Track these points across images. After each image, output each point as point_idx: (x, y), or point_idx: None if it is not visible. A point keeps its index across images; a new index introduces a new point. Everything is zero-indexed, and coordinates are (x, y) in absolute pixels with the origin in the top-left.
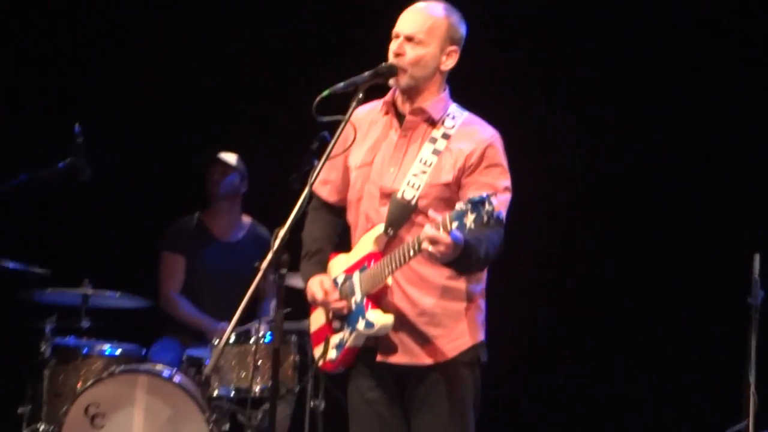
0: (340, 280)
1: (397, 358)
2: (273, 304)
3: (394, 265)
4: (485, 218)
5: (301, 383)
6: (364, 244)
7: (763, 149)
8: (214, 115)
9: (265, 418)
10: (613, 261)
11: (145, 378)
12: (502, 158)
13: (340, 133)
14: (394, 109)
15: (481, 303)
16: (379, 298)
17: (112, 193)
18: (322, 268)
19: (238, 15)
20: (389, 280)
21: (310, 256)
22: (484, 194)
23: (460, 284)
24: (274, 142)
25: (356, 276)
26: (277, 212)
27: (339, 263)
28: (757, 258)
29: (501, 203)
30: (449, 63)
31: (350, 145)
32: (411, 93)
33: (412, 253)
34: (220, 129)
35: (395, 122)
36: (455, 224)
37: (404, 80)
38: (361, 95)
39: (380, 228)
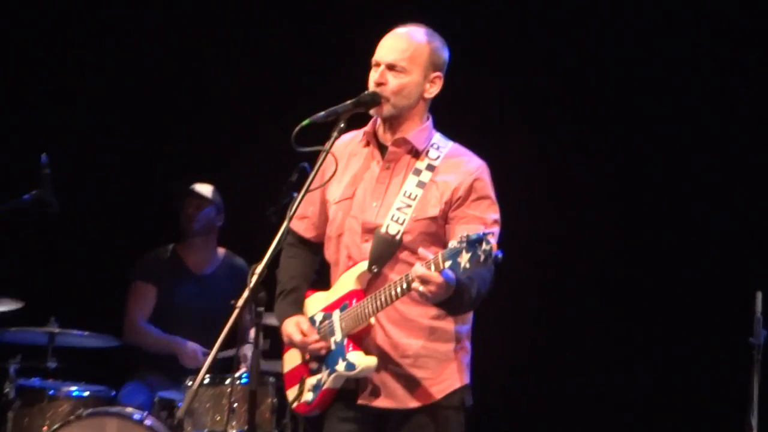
0: (318, 319)
1: (380, 402)
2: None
3: (378, 304)
4: (482, 258)
5: (279, 427)
6: (346, 281)
7: (763, 187)
8: (188, 145)
9: None
10: (612, 300)
11: (115, 421)
12: (490, 190)
13: (321, 164)
14: (375, 140)
15: (467, 344)
16: (360, 338)
17: (80, 226)
18: (298, 307)
19: (214, 43)
20: (372, 320)
21: (286, 295)
22: (481, 232)
23: (447, 325)
24: (251, 174)
25: (336, 315)
26: (254, 247)
27: (316, 301)
28: (759, 296)
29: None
30: (433, 90)
31: (331, 177)
32: (393, 123)
33: (399, 291)
34: (194, 159)
35: (377, 153)
36: (448, 263)
37: (387, 110)
38: (342, 125)
39: (363, 265)
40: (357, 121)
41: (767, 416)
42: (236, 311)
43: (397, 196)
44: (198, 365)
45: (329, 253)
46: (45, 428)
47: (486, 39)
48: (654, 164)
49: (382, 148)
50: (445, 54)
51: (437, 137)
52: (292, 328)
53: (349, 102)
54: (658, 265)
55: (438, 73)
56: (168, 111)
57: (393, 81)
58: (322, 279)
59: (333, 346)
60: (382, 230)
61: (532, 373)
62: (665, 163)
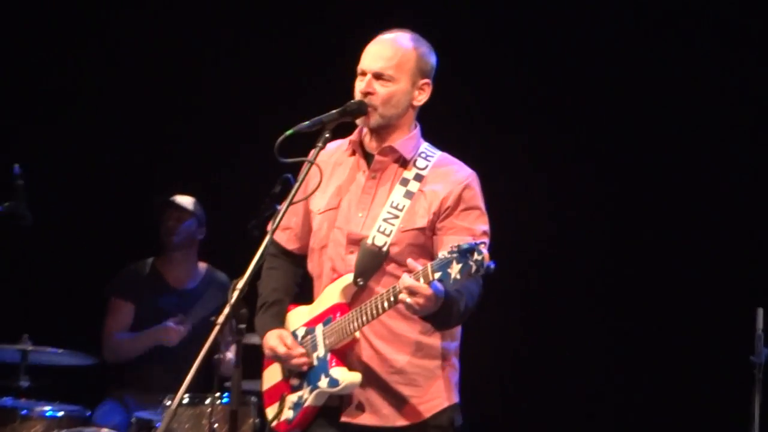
0: (300, 334)
1: (364, 419)
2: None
3: (364, 318)
4: (474, 268)
5: None
6: (330, 294)
7: (764, 200)
8: (168, 156)
9: None
10: (608, 317)
11: None
12: (479, 200)
13: (305, 176)
14: (361, 149)
15: (456, 362)
16: (344, 353)
17: (55, 239)
18: (280, 321)
19: (195, 52)
20: (357, 335)
21: (267, 308)
22: (473, 242)
23: (435, 341)
24: (233, 185)
25: (319, 329)
26: (236, 261)
27: (298, 315)
28: (760, 312)
29: None
30: (422, 98)
31: (315, 189)
32: (381, 131)
33: (386, 304)
34: (175, 170)
35: (362, 163)
36: (438, 274)
37: (375, 120)
38: (327, 135)
39: (348, 278)
40: (341, 130)
41: None
42: (216, 328)
43: (384, 207)
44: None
45: (312, 266)
46: None
47: (474, 43)
48: (652, 177)
49: (368, 157)
50: (432, 59)
51: (425, 146)
52: (275, 340)
53: (334, 111)
54: (656, 281)
55: (426, 80)
56: (147, 121)
57: (381, 90)
58: (304, 293)
59: (315, 362)
60: (368, 242)
61: (522, 392)
62: (663, 176)
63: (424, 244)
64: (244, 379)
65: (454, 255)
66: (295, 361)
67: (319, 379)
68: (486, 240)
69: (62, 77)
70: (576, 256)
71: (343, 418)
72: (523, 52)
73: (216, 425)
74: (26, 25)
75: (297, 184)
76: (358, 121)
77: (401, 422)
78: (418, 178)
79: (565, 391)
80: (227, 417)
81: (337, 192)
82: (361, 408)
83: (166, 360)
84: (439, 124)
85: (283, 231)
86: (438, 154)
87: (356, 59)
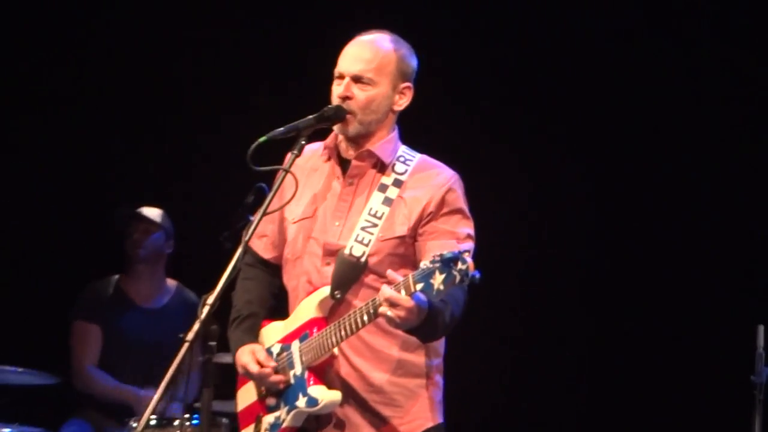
0: (275, 351)
1: None
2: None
3: (342, 333)
4: (458, 278)
5: None
6: (305, 309)
7: (764, 216)
8: (133, 165)
9: None
10: (604, 335)
11: None
12: (463, 203)
13: (279, 185)
14: (336, 154)
15: (439, 379)
16: (323, 371)
17: (14, 254)
18: (254, 336)
19: (162, 56)
20: (336, 351)
21: (240, 321)
22: (457, 251)
23: (416, 357)
24: (203, 196)
25: (295, 346)
26: (206, 276)
27: (273, 331)
28: (761, 330)
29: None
30: (403, 102)
31: (290, 199)
32: (358, 139)
33: (366, 318)
34: (140, 181)
35: (338, 169)
36: (420, 285)
37: (354, 127)
38: (303, 141)
39: (325, 291)
40: (317, 135)
41: None
42: (185, 346)
43: (362, 215)
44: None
45: (287, 278)
46: None
47: (458, 46)
48: (651, 190)
49: (343, 163)
50: (413, 62)
51: (404, 149)
52: (247, 357)
53: (311, 117)
54: (654, 297)
55: (407, 84)
56: (110, 128)
57: (360, 94)
58: (280, 306)
59: (292, 380)
60: (346, 252)
61: (511, 409)
62: (664, 189)
63: (404, 253)
64: (215, 400)
65: (437, 264)
66: (268, 380)
67: (296, 399)
68: (470, 244)
69: (21, 87)
70: (571, 272)
71: None
72: (508, 51)
73: None
74: None
75: (271, 194)
76: (336, 128)
77: None
78: (398, 183)
79: (557, 411)
80: None
81: (313, 200)
82: (340, 427)
83: (135, 383)
84: (418, 126)
85: (260, 239)
86: (417, 157)
87: (333, 62)
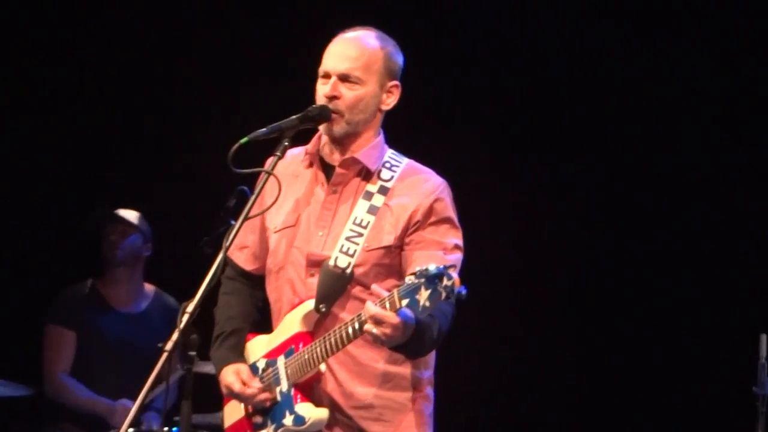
0: (260, 366)
1: None
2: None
3: (329, 348)
4: (443, 295)
5: None
6: (290, 323)
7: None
8: (110, 165)
9: None
10: (603, 344)
11: None
12: (451, 212)
13: (262, 187)
14: (319, 160)
15: (429, 392)
16: (310, 387)
17: None
18: (238, 353)
19: (141, 57)
20: (323, 367)
21: (224, 338)
22: (442, 266)
23: (404, 370)
24: (182, 198)
25: (281, 361)
26: (186, 282)
27: (258, 346)
28: (764, 339)
29: (453, 263)
30: (390, 101)
31: (273, 202)
32: (344, 140)
33: (351, 333)
34: (117, 181)
35: (321, 175)
36: (406, 301)
37: (341, 127)
38: (286, 143)
39: (310, 304)
40: (301, 138)
41: None
42: (164, 355)
43: (346, 224)
44: None
45: (270, 290)
46: None
47: (442, 51)
48: (654, 195)
49: (327, 169)
50: (399, 59)
51: (390, 154)
52: (231, 377)
53: (294, 117)
54: (655, 307)
55: (395, 82)
56: (85, 129)
57: (348, 94)
58: (265, 318)
59: (279, 398)
60: (330, 263)
61: (504, 423)
62: (665, 195)
63: (391, 263)
64: (195, 413)
65: (422, 280)
66: (253, 399)
67: (284, 416)
68: (458, 255)
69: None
70: (571, 279)
71: None
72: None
73: None
74: None
75: (253, 197)
76: (321, 128)
77: None
78: (383, 191)
79: (555, 423)
80: None
81: (295, 208)
82: None
83: (113, 390)
84: (403, 130)
85: (240, 250)
86: (404, 163)
87: (317, 60)
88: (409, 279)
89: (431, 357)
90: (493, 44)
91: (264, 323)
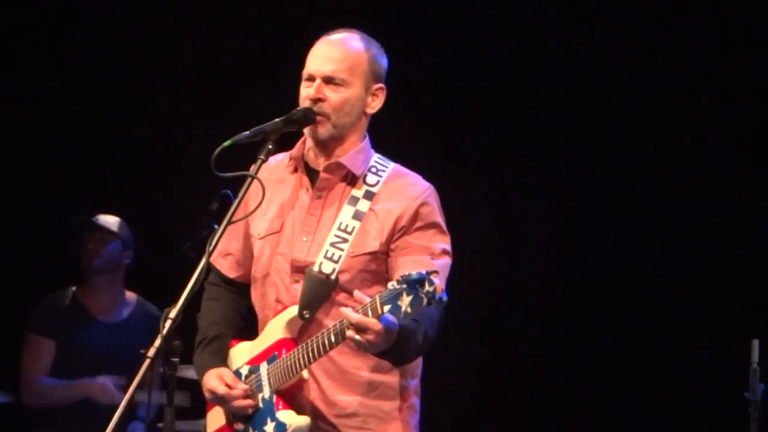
0: (243, 372)
1: None
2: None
3: (310, 355)
4: (425, 301)
5: None
6: (274, 329)
7: (758, 230)
8: (89, 170)
9: None
10: (594, 348)
11: None
12: (438, 216)
13: (245, 191)
14: (303, 165)
15: (415, 402)
16: (292, 395)
17: None
18: (221, 358)
19: (122, 60)
20: (305, 374)
21: (207, 344)
22: (423, 272)
23: (390, 378)
24: (164, 203)
25: (264, 368)
26: (168, 288)
27: (241, 352)
28: (755, 344)
29: (440, 269)
30: (376, 104)
31: (257, 207)
32: (329, 144)
33: (333, 340)
34: (97, 186)
35: (305, 180)
36: (388, 307)
37: (326, 130)
38: (270, 146)
39: (294, 310)
40: (285, 142)
41: None
42: (146, 362)
43: (331, 230)
44: (114, 402)
45: (255, 296)
46: None
47: (427, 53)
48: (644, 199)
49: (311, 174)
50: (384, 62)
51: (376, 158)
52: (214, 381)
53: (278, 120)
54: (646, 312)
55: (380, 85)
56: (65, 134)
57: (332, 96)
58: (250, 326)
59: (261, 404)
60: (315, 269)
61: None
62: (655, 200)
63: (377, 269)
64: (178, 420)
65: (403, 286)
66: (237, 403)
67: (265, 424)
68: (446, 259)
69: None
70: (563, 284)
71: None
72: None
73: None
74: None
75: (236, 201)
76: (306, 131)
77: None
78: (369, 195)
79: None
80: None
81: (279, 213)
82: None
83: (91, 407)
84: (388, 133)
85: (224, 257)
86: (391, 167)
87: (301, 63)
88: (392, 285)
89: (418, 366)
90: (477, 47)
91: (249, 330)
